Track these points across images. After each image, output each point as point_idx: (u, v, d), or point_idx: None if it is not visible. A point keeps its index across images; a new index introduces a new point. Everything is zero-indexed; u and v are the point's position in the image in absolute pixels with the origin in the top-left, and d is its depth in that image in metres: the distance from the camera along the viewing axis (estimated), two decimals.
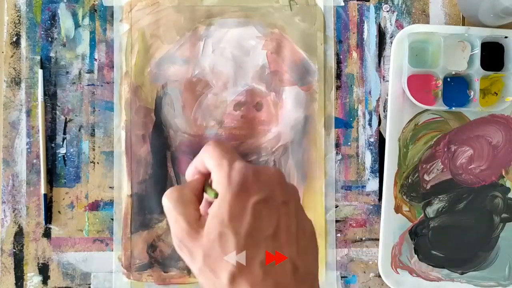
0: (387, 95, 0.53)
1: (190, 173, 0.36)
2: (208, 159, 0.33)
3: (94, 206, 0.53)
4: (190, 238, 0.32)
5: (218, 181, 0.32)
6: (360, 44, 0.54)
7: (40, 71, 0.53)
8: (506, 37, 0.52)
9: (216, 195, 0.32)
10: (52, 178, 0.53)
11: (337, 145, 0.54)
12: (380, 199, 0.54)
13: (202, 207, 0.35)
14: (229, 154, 0.33)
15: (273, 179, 0.33)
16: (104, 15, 0.53)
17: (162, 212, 0.53)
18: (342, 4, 0.54)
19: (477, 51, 0.51)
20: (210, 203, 0.33)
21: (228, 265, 0.30)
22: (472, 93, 0.52)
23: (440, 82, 0.51)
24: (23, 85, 0.53)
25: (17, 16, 0.53)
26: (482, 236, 0.54)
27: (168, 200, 0.33)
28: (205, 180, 0.35)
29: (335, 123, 0.54)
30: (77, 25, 0.53)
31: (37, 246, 0.52)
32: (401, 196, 0.54)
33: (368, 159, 0.54)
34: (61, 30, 0.53)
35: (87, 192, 0.53)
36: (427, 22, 0.54)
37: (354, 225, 0.54)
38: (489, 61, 0.52)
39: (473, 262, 0.54)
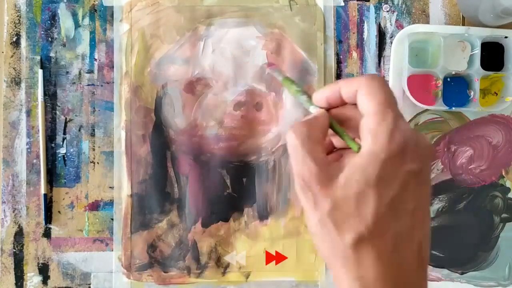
0: None
1: (326, 94, 0.31)
2: (368, 98, 0.29)
3: (94, 206, 0.53)
4: (319, 182, 0.28)
5: (376, 134, 0.28)
6: (360, 44, 0.54)
7: (40, 71, 0.53)
8: (506, 37, 0.52)
9: (359, 149, 0.29)
10: (52, 178, 0.53)
11: None
12: None
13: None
14: (395, 105, 0.29)
15: (429, 153, 0.30)
16: (104, 15, 0.53)
17: (162, 212, 0.53)
18: (342, 4, 0.54)
19: (477, 51, 0.51)
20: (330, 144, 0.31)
21: (360, 225, 0.27)
22: (472, 93, 0.52)
23: (440, 82, 0.51)
24: (23, 85, 0.53)
25: (17, 16, 0.53)
26: (482, 236, 0.54)
27: (295, 136, 0.29)
28: (331, 116, 0.31)
29: None
30: (77, 25, 0.53)
31: (37, 246, 0.52)
32: None
33: None
34: (61, 30, 0.53)
35: (87, 192, 0.53)
36: (427, 22, 0.54)
37: None
38: (489, 61, 0.52)
39: (473, 262, 0.54)
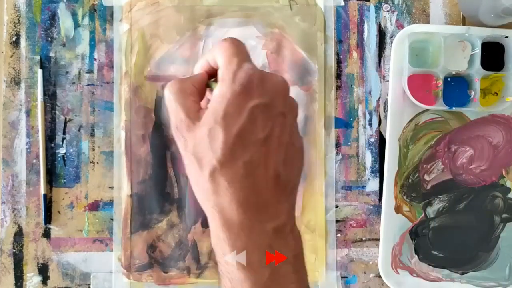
0: (387, 95, 0.53)
1: (199, 66, 0.36)
2: (219, 55, 0.33)
3: (94, 206, 0.53)
4: (187, 127, 0.32)
5: (223, 77, 0.32)
6: (360, 44, 0.54)
7: (40, 71, 0.53)
8: (506, 37, 0.52)
9: None
10: (52, 178, 0.53)
11: (337, 145, 0.54)
12: (380, 199, 0.54)
13: (204, 101, 0.35)
14: (242, 54, 0.33)
15: (278, 88, 0.33)
16: (104, 15, 0.53)
17: (162, 212, 0.53)
18: (342, 4, 0.54)
19: (478, 51, 0.51)
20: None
21: (212, 159, 0.31)
22: (472, 93, 0.52)
23: (440, 82, 0.51)
24: (22, 85, 0.53)
25: (17, 16, 0.53)
26: (483, 236, 0.54)
27: (169, 91, 0.34)
28: (210, 75, 0.35)
29: (335, 123, 0.54)
30: (76, 25, 0.53)
31: (37, 246, 0.52)
32: (401, 196, 0.54)
33: (368, 159, 0.54)
34: (61, 30, 0.53)
35: (86, 192, 0.53)
36: (428, 22, 0.54)
37: (354, 225, 0.54)
38: (489, 61, 0.51)
39: (473, 262, 0.54)
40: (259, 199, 0.32)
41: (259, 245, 0.33)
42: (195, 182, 0.33)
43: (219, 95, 0.32)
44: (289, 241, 0.33)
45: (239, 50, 0.33)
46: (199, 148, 0.31)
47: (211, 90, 0.34)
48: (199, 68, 0.36)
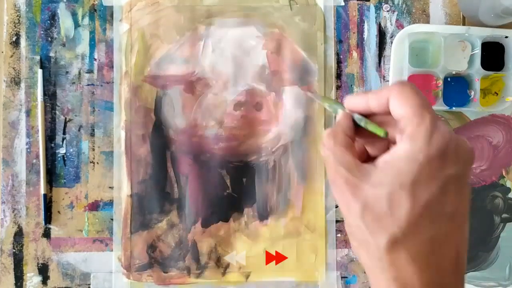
0: None
1: (355, 104, 0.31)
2: (403, 104, 0.28)
3: (94, 206, 0.53)
4: (350, 185, 0.28)
5: (414, 136, 0.27)
6: (360, 44, 0.54)
7: (40, 71, 0.53)
8: (506, 37, 0.52)
9: (386, 134, 0.29)
10: (52, 178, 0.53)
11: None
12: None
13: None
14: (431, 109, 0.28)
15: (470, 157, 0.29)
16: (104, 15, 0.53)
17: (161, 212, 0.53)
18: (342, 4, 0.54)
19: (478, 51, 0.51)
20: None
21: (393, 227, 0.27)
22: (472, 93, 0.52)
23: (440, 82, 0.51)
24: (22, 85, 0.53)
25: (17, 16, 0.53)
26: (483, 236, 0.54)
27: (325, 149, 0.30)
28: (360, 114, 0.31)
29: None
30: (76, 25, 0.53)
31: (37, 246, 0.52)
32: None
33: None
34: (61, 30, 0.53)
35: (86, 192, 0.53)
36: (428, 22, 0.54)
37: None
38: (489, 61, 0.51)
39: (473, 262, 0.54)
40: (442, 281, 0.28)
41: None
42: (363, 249, 0.29)
43: (408, 155, 0.27)
44: None
45: (427, 102, 0.28)
46: (373, 211, 0.28)
47: (366, 130, 0.30)
48: (356, 105, 0.31)
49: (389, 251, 0.27)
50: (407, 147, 0.27)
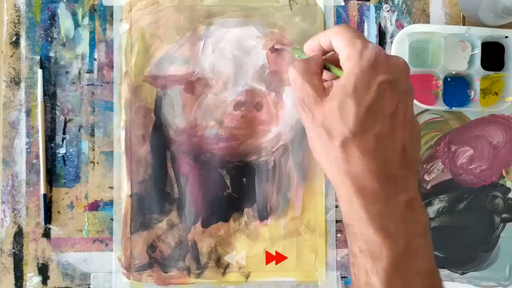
0: None
1: (311, 46, 0.39)
2: (338, 38, 0.35)
3: (94, 206, 0.53)
4: (315, 101, 0.34)
5: (349, 57, 0.34)
6: None
7: (40, 71, 0.53)
8: (506, 37, 0.52)
9: (340, 74, 0.35)
10: (52, 178, 0.53)
11: None
12: None
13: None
14: (362, 36, 0.35)
15: (401, 66, 0.35)
16: (104, 15, 0.53)
17: (161, 212, 0.53)
18: (342, 3, 0.54)
19: (478, 51, 0.51)
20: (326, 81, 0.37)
21: (344, 130, 0.33)
22: (472, 93, 0.52)
23: (440, 82, 0.51)
24: (22, 85, 0.53)
25: (17, 16, 0.53)
26: (483, 236, 0.54)
27: (295, 70, 0.36)
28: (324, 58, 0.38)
29: None
30: (76, 25, 0.53)
31: (37, 246, 0.52)
32: None
33: None
34: (61, 30, 0.53)
35: (86, 192, 0.53)
36: (428, 22, 0.54)
37: None
38: (489, 61, 0.51)
39: (473, 262, 0.54)
40: (389, 171, 0.33)
41: (393, 215, 0.33)
42: (323, 152, 0.34)
43: (347, 72, 0.34)
44: (419, 215, 0.34)
45: (358, 34, 0.35)
46: (329, 120, 0.33)
47: (328, 71, 0.38)
48: (310, 49, 0.39)
49: (342, 151, 0.33)
50: (345, 67, 0.34)
